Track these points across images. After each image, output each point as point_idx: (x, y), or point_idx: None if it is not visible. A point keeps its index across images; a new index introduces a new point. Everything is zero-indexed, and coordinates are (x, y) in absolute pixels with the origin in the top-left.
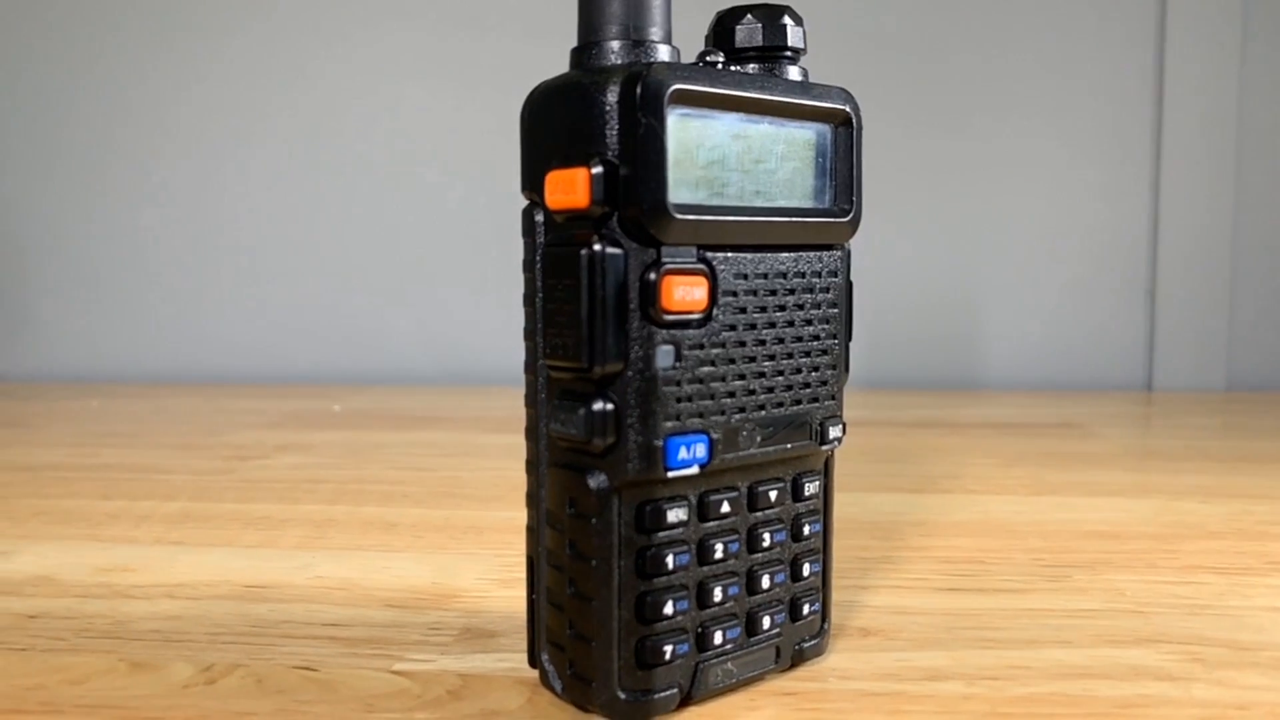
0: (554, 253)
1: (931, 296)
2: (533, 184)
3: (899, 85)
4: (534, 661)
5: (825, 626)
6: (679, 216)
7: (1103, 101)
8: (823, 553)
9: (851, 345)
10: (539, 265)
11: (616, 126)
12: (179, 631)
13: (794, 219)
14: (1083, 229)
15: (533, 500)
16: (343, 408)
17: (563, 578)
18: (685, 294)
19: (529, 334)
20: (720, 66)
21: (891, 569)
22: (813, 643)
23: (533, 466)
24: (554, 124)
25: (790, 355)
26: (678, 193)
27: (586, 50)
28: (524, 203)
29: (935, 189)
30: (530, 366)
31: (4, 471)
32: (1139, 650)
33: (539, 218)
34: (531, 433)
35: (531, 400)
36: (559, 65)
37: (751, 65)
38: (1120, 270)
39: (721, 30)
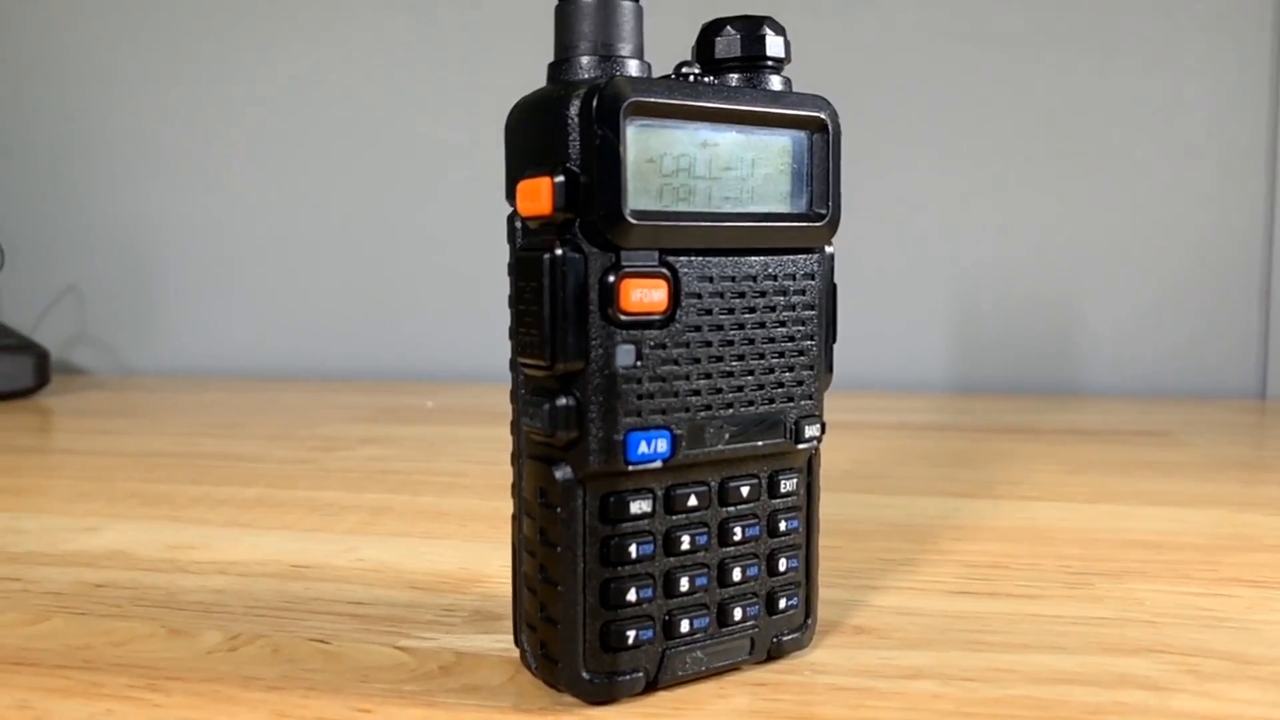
0: (522, 257)
1: (1026, 297)
2: (510, 193)
3: (989, 76)
4: (518, 642)
5: (809, 621)
6: (636, 222)
7: (1212, 86)
8: (805, 549)
9: (943, 348)
10: (513, 269)
11: (578, 138)
12: (220, 604)
13: (764, 224)
14: (1190, 223)
15: (515, 490)
16: (435, 404)
17: (535, 563)
18: (643, 296)
19: (510, 334)
20: (694, 78)
21: (909, 571)
22: (792, 636)
23: (515, 459)
24: (527, 136)
25: (761, 355)
26: (638, 200)
27: (560, 66)
28: None
29: (1029, 181)
30: (513, 364)
31: (116, 457)
32: (1134, 659)
33: (518, 225)
34: (514, 427)
35: (514, 396)
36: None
37: (734, 76)
38: (1232, 268)
39: (704, 42)
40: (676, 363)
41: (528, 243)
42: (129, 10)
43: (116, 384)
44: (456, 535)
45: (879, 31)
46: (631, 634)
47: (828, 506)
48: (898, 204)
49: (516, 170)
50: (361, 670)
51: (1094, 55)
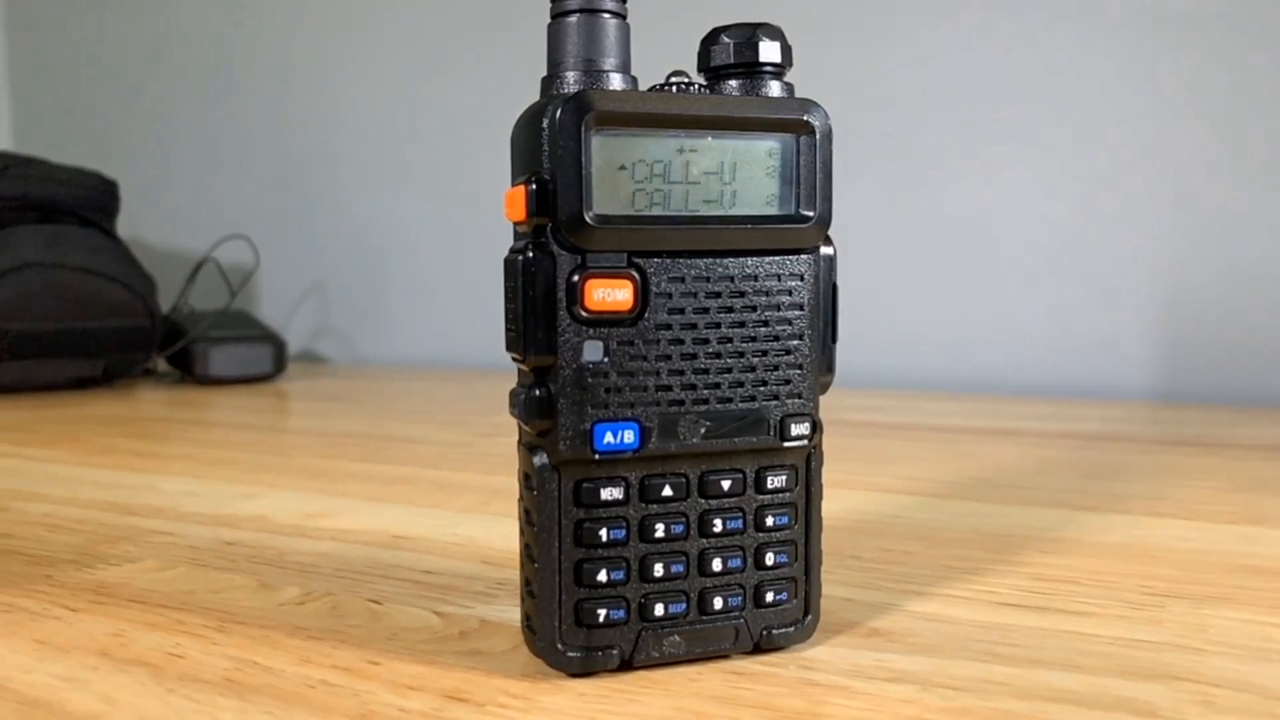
0: (506, 259)
1: (1248, 302)
2: None
3: (1213, 71)
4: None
5: (808, 618)
6: (599, 227)
7: None
8: (803, 545)
9: (1153, 355)
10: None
11: (549, 148)
12: (314, 565)
13: (743, 226)
14: None
15: (519, 475)
16: None
17: (524, 540)
18: (606, 295)
19: None
20: (679, 87)
21: (969, 580)
22: (784, 630)
23: (518, 446)
24: (519, 146)
25: (741, 355)
26: (604, 205)
27: (550, 80)
28: None
29: (1254, 181)
30: None
31: (307, 435)
32: (1148, 685)
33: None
34: None
35: None
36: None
37: (732, 83)
38: None
39: (702, 52)
40: (645, 359)
41: (512, 245)
42: (366, 43)
43: (347, 372)
44: None
45: (1090, 25)
46: (602, 613)
47: (923, 513)
48: (1117, 206)
49: (513, 178)
50: (394, 629)
51: None
